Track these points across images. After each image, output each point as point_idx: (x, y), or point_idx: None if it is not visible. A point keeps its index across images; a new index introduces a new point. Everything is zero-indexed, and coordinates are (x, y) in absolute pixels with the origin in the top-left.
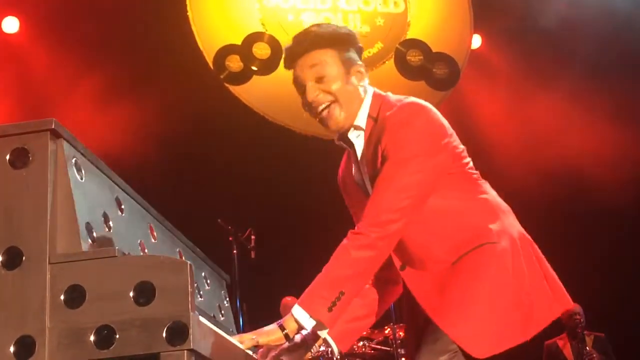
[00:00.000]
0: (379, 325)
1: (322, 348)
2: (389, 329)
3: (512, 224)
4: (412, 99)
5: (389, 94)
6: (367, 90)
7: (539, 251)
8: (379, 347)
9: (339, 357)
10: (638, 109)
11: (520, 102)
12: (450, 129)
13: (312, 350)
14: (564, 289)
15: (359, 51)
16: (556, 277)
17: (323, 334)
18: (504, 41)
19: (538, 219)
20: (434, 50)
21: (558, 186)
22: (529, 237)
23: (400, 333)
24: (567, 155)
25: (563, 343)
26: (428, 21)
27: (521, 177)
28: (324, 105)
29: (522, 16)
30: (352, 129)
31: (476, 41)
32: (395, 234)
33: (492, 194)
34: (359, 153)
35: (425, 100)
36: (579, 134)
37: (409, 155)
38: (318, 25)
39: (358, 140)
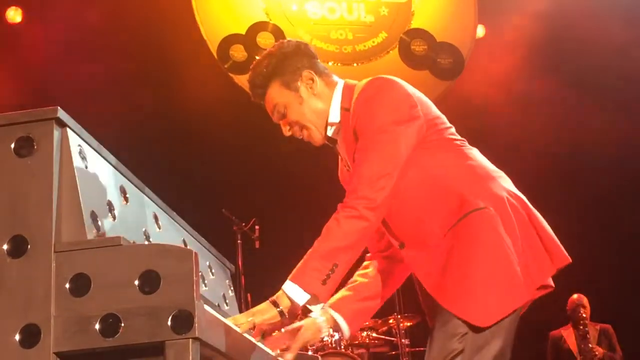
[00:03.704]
0: (383, 315)
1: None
2: (393, 319)
3: (500, 185)
4: (378, 76)
5: (361, 81)
6: (334, 85)
7: (532, 209)
8: (383, 337)
9: (340, 336)
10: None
11: (524, 91)
12: (421, 98)
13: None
14: (559, 245)
15: (304, 52)
16: (552, 234)
17: (316, 308)
18: (508, 31)
19: (541, 204)
20: (438, 39)
21: (563, 173)
22: (522, 196)
23: (405, 323)
24: (573, 142)
25: (567, 333)
26: (432, 11)
27: (526, 164)
28: (300, 136)
29: (526, 5)
30: (328, 127)
31: (480, 31)
32: (382, 204)
33: (478, 159)
34: (341, 146)
35: (430, 89)
36: (583, 121)
37: (381, 126)
38: (254, 65)
39: (339, 134)
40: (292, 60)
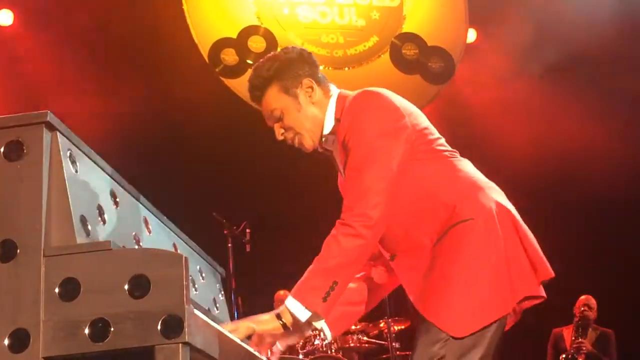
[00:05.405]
0: (374, 319)
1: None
2: (383, 323)
3: (488, 197)
4: (366, 88)
5: (353, 92)
6: (330, 95)
7: (519, 221)
8: (373, 340)
9: (331, 340)
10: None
11: (515, 95)
12: (409, 109)
13: (304, 332)
14: (544, 259)
15: (306, 60)
16: (537, 247)
17: (319, 324)
18: (499, 35)
19: (537, 211)
20: (430, 44)
21: (558, 179)
22: (510, 208)
23: (395, 327)
24: (567, 148)
25: (567, 332)
26: (423, 15)
27: (518, 169)
28: (291, 141)
29: (517, 9)
30: (324, 138)
31: (471, 35)
32: (379, 220)
33: (467, 170)
34: (336, 156)
35: (421, 94)
36: (575, 126)
37: (369, 141)
38: (256, 67)
39: (334, 145)
40: (294, 66)
